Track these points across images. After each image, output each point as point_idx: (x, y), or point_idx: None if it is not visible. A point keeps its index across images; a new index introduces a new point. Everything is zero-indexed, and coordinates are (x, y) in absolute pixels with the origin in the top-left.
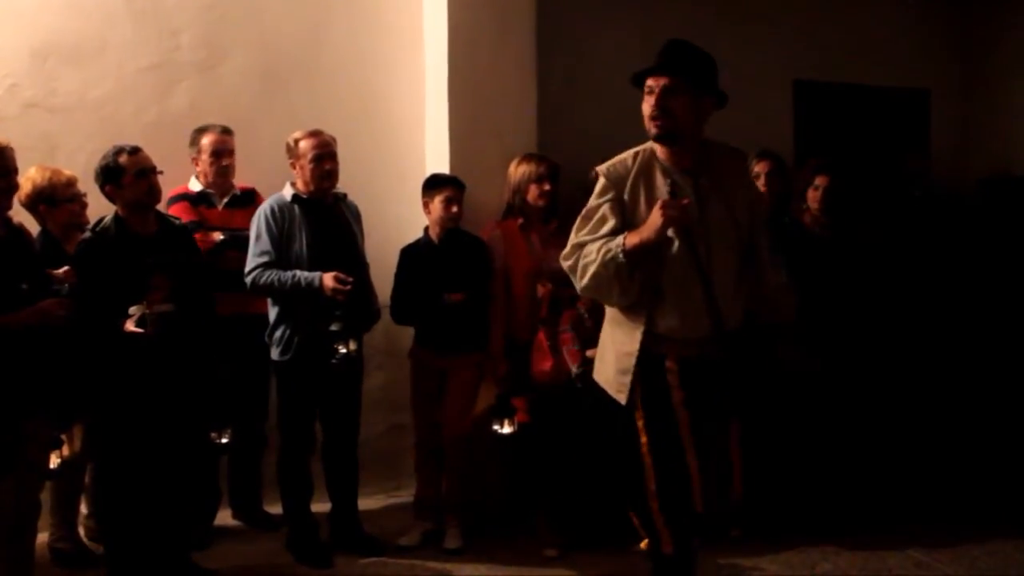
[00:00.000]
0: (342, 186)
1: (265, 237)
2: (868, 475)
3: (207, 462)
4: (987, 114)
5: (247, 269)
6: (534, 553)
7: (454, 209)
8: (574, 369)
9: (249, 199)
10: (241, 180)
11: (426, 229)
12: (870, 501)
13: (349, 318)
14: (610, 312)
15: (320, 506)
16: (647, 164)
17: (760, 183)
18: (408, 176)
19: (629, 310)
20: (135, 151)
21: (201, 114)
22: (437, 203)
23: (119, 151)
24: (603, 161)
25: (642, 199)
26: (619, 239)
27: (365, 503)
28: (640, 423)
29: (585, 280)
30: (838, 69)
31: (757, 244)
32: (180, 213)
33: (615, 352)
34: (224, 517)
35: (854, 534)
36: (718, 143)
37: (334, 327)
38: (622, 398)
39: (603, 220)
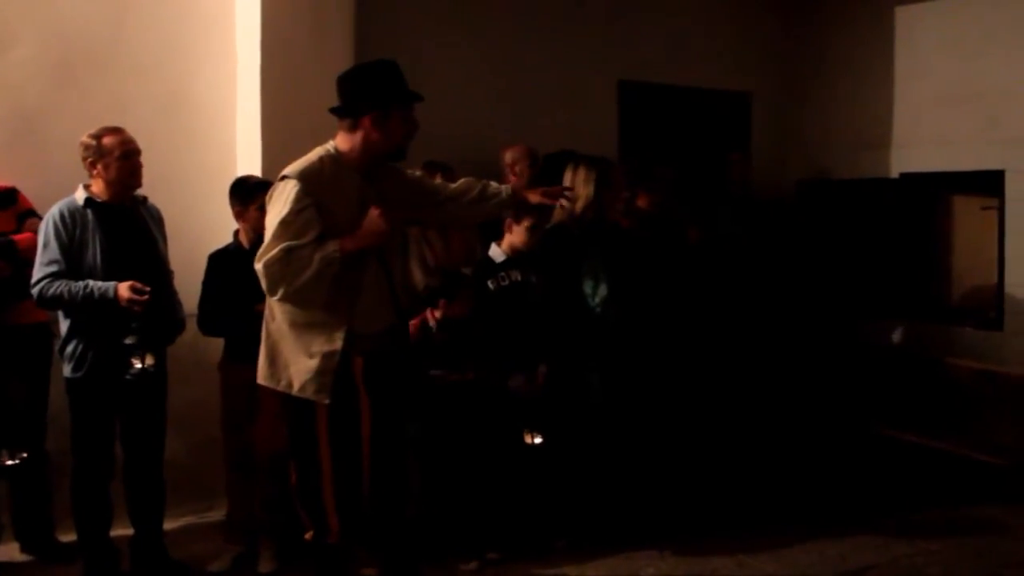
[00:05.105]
0: (144, 187)
1: (54, 245)
2: (690, 480)
3: None
4: (806, 118)
5: (33, 280)
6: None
7: None
8: None
9: (10, 199)
10: (29, 181)
11: (236, 234)
12: (693, 505)
13: (146, 330)
14: (295, 316)
15: (121, 532)
16: (335, 168)
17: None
18: (217, 178)
19: (328, 310)
20: None
21: None
22: (254, 213)
23: None
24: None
25: (336, 202)
26: (333, 244)
27: (172, 526)
28: (324, 419)
29: (297, 284)
30: (662, 71)
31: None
32: None
33: (314, 353)
34: (11, 551)
35: (679, 538)
36: None
37: (129, 340)
38: (325, 397)
39: (309, 226)
